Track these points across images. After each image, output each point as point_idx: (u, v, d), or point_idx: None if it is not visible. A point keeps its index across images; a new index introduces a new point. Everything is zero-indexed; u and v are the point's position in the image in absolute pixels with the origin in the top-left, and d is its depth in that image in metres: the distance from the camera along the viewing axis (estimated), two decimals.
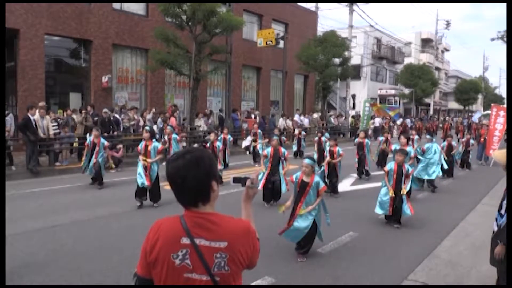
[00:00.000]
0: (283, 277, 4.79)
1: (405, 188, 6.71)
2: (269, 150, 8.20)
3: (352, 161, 12.39)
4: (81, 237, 6.03)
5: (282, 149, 8.19)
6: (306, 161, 5.35)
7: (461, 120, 34.56)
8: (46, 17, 15.11)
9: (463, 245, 6.01)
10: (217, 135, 10.93)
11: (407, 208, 6.69)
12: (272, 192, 8.14)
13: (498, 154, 3.61)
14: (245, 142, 17.34)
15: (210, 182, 1.64)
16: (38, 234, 6.19)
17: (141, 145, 8.06)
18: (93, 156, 9.48)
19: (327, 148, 9.73)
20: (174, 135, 11.15)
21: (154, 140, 8.06)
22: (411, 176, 7.11)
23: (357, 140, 12.03)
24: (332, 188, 9.24)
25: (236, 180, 1.93)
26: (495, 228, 3.67)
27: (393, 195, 6.71)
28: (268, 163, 8.09)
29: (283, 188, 8.06)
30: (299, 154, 15.61)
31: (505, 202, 3.54)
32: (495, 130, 15.39)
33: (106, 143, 9.78)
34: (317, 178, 5.31)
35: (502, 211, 3.57)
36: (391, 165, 6.87)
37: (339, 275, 4.90)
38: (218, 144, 9.97)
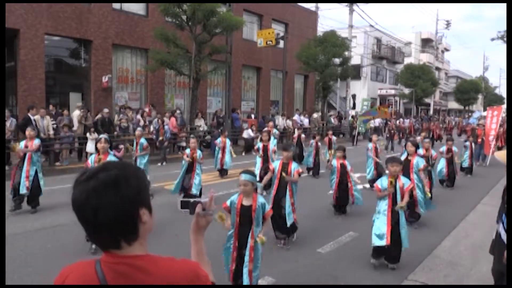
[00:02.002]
0: (283, 277, 4.80)
1: (402, 202, 5.08)
2: (277, 164, 6.07)
3: (352, 160, 12.30)
4: (81, 237, 6.00)
5: (293, 164, 5.92)
6: (244, 176, 3.99)
7: (460, 120, 34.53)
8: (46, 17, 15.11)
9: (463, 245, 6.01)
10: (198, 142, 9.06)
11: (405, 237, 5.08)
12: (279, 225, 5.77)
13: (500, 154, 3.57)
14: (245, 134, 17.33)
15: (137, 211, 1.18)
16: (38, 234, 6.19)
17: (92, 160, 6.11)
18: (25, 164, 7.29)
19: (335, 163, 7.68)
20: (142, 140, 9.17)
21: (110, 152, 6.37)
22: (409, 191, 5.31)
23: (371, 145, 10.22)
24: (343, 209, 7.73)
25: (183, 204, 1.50)
26: (501, 231, 3.46)
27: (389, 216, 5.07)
28: (276, 180, 5.96)
29: (288, 220, 5.68)
30: (300, 158, 13.84)
31: None
32: (491, 130, 15.60)
33: (37, 143, 7.56)
34: (261, 199, 4.05)
35: None
36: (385, 181, 5.24)
37: (339, 275, 4.91)
38: (199, 153, 8.02)
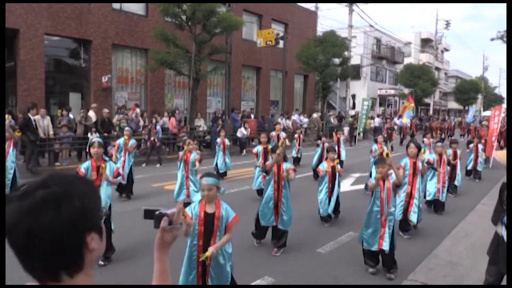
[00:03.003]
0: (283, 277, 4.80)
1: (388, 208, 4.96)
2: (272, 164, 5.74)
3: (352, 160, 12.26)
4: None
5: (284, 164, 5.68)
6: (208, 180, 3.53)
7: (460, 120, 34.51)
8: (46, 17, 15.10)
9: (463, 245, 6.02)
10: (193, 144, 8.02)
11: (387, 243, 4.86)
12: (277, 234, 5.70)
13: (499, 154, 3.55)
14: (239, 133, 17.26)
15: (83, 237, 0.99)
16: None
17: (87, 167, 5.25)
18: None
19: (325, 165, 7.09)
20: (132, 141, 8.95)
21: (106, 158, 5.55)
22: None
23: (375, 146, 9.73)
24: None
25: (147, 214, 1.33)
26: (505, 234, 3.31)
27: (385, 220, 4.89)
28: (273, 184, 5.67)
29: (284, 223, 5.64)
30: (297, 161, 13.42)
31: None
32: (494, 131, 15.35)
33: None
34: (225, 205, 3.60)
35: None
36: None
37: (339, 275, 4.91)
38: (194, 155, 7.45)
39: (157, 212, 1.30)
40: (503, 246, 3.36)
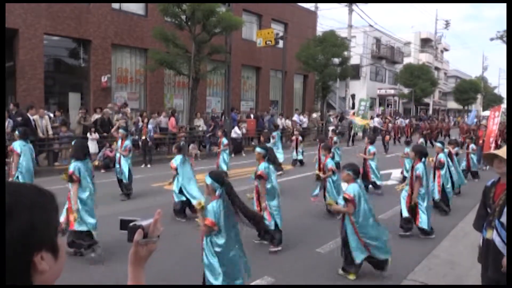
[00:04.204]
0: (282, 277, 4.80)
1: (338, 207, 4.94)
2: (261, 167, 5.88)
3: (351, 160, 12.22)
4: None
5: (260, 165, 5.81)
6: (205, 178, 3.85)
7: (459, 120, 34.48)
8: (45, 17, 15.09)
9: (462, 244, 6.01)
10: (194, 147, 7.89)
11: (382, 252, 4.73)
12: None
13: (486, 156, 3.48)
14: (233, 133, 17.16)
15: (29, 256, 0.87)
16: None
17: (76, 168, 5.43)
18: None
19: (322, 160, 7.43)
20: (127, 142, 8.76)
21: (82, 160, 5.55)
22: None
23: (373, 148, 9.96)
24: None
25: (123, 225, 1.21)
26: (496, 238, 3.19)
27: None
28: (254, 201, 5.84)
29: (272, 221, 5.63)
30: (300, 162, 13.63)
31: (505, 210, 3.08)
32: (492, 132, 15.22)
33: (33, 147, 7.22)
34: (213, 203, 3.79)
35: (503, 219, 3.09)
36: (355, 188, 4.71)
37: (339, 275, 4.90)
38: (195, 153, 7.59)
39: (131, 224, 1.18)
40: (493, 252, 3.24)
